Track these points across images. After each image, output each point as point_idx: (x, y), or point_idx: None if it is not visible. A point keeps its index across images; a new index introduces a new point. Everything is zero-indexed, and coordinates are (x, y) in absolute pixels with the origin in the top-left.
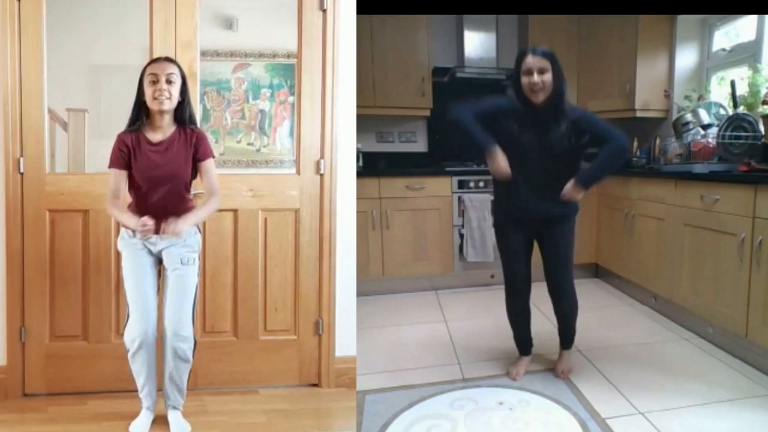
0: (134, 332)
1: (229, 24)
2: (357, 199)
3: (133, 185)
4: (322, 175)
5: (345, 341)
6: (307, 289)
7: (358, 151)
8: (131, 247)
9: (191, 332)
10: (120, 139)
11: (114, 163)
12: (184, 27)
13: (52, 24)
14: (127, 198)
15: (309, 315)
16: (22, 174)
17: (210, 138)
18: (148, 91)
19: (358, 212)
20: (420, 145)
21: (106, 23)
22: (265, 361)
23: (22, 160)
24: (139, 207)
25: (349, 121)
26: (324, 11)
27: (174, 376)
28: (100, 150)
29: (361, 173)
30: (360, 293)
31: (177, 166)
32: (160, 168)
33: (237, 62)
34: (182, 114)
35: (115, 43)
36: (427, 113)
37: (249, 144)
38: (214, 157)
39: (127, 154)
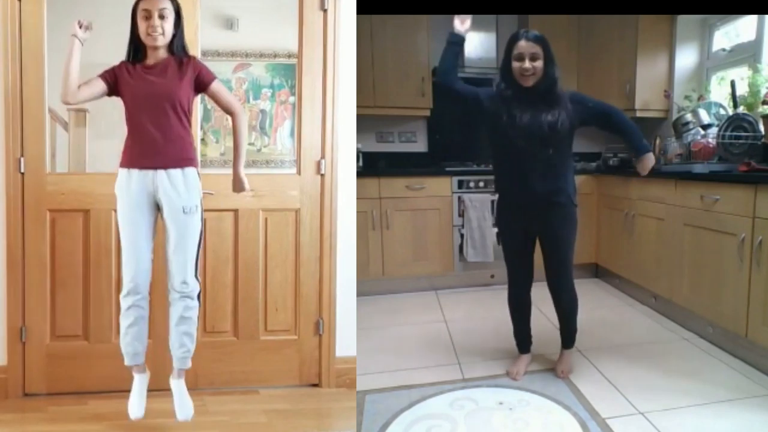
0: (126, 276)
1: (229, 24)
2: (357, 199)
3: (129, 112)
4: (322, 175)
5: (345, 341)
6: (308, 290)
7: (358, 151)
8: (129, 190)
9: (196, 280)
10: (121, 62)
11: (102, 73)
12: (185, 27)
13: (53, 24)
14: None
15: (309, 315)
16: (22, 174)
17: (211, 138)
18: (142, 26)
19: (358, 212)
20: (420, 145)
21: (107, 23)
22: (266, 362)
23: (22, 159)
24: (136, 134)
25: (349, 121)
26: (325, 11)
27: (185, 317)
28: (101, 150)
29: (361, 173)
30: (360, 293)
31: (172, 84)
32: (155, 85)
33: (238, 62)
34: (175, 45)
35: (116, 42)
36: (427, 113)
37: (250, 144)
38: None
39: (117, 74)
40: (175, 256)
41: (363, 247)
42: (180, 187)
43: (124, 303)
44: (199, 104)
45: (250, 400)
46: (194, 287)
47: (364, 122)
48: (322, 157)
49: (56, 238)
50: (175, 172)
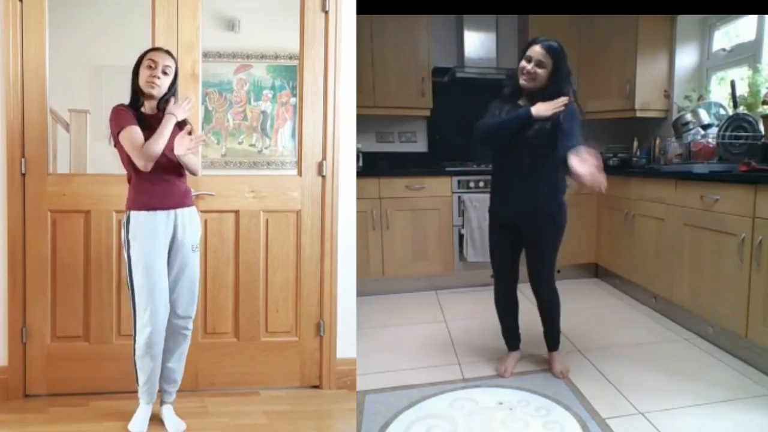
0: (142, 319)
1: (231, 25)
2: (357, 199)
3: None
4: (323, 177)
5: (346, 343)
6: (309, 291)
7: (358, 151)
8: (151, 233)
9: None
10: (122, 106)
11: (129, 121)
12: (186, 28)
13: (54, 24)
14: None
15: (310, 316)
16: (24, 175)
17: (212, 139)
18: (144, 73)
19: (358, 212)
20: (420, 145)
21: (108, 24)
22: (267, 363)
23: (24, 160)
24: (151, 178)
25: (350, 121)
26: (326, 13)
27: (181, 356)
28: (102, 151)
29: (361, 173)
30: (360, 293)
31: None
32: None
33: (239, 63)
34: (161, 102)
35: (118, 43)
36: (427, 113)
37: (251, 145)
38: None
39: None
40: (184, 291)
41: (363, 247)
42: (189, 225)
43: (144, 351)
44: (200, 105)
45: (250, 402)
46: (192, 320)
47: (364, 122)
48: (324, 158)
49: (57, 238)
50: (188, 211)
